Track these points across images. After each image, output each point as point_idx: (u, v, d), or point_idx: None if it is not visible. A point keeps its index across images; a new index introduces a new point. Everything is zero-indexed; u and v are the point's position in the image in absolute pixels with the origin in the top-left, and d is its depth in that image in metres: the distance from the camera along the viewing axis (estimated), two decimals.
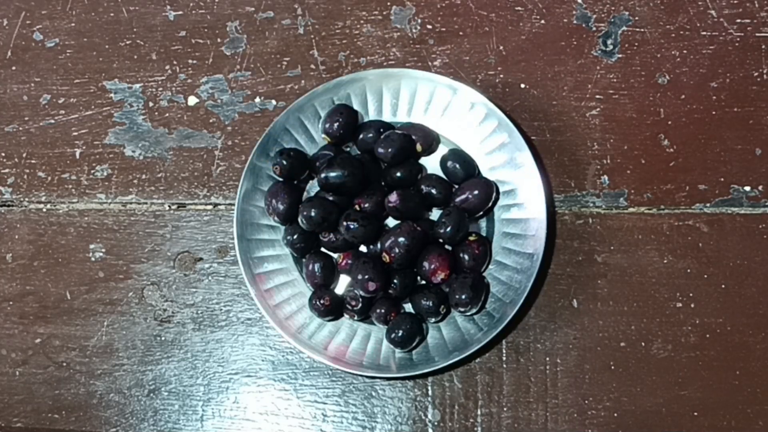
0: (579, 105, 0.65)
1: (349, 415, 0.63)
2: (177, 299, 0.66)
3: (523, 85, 0.66)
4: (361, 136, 0.64)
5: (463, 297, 0.60)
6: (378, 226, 0.62)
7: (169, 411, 0.64)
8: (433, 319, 0.62)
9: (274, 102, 0.68)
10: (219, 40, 0.69)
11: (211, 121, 0.68)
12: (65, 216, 0.68)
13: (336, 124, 0.63)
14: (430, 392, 0.62)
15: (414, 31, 0.68)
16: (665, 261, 0.63)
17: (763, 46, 0.65)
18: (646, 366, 0.61)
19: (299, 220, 0.62)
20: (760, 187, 0.63)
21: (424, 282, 0.62)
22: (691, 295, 0.62)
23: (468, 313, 0.61)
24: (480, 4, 0.68)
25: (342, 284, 0.64)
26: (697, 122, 0.65)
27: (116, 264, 0.66)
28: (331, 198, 0.62)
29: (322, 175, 0.61)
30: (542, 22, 0.67)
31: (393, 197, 0.61)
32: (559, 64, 0.66)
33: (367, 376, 0.62)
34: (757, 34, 0.65)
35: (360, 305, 0.61)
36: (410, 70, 0.65)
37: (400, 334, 0.60)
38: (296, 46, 0.68)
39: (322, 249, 0.64)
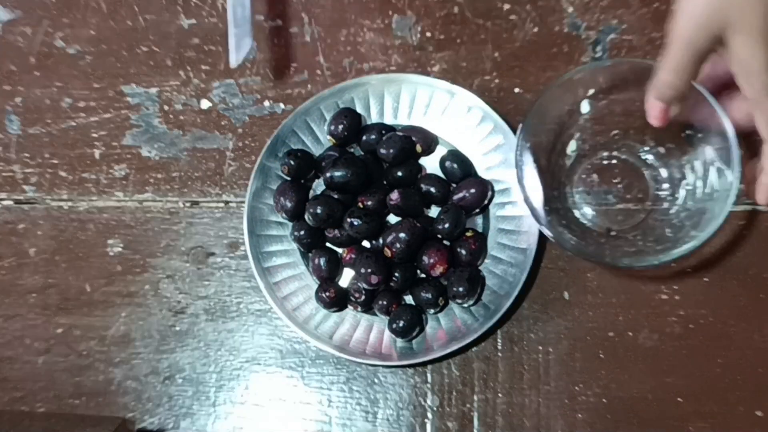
0: None
1: (353, 401, 0.64)
2: (190, 291, 0.67)
3: (517, 90, 0.67)
4: (364, 137, 0.65)
5: (461, 289, 0.61)
6: (380, 223, 0.63)
7: (183, 397, 0.65)
8: (432, 311, 0.63)
9: (282, 105, 0.69)
10: None
11: (222, 123, 0.69)
12: (85, 213, 0.69)
13: (340, 127, 0.64)
14: (429, 379, 0.63)
15: (414, 38, 0.69)
16: None
17: None
18: (633, 354, 0.62)
19: (306, 216, 0.62)
20: (740, 186, 0.62)
21: (423, 275, 0.63)
22: (675, 287, 0.62)
23: (465, 305, 0.62)
24: (476, 13, 0.68)
25: (346, 277, 0.64)
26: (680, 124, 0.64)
27: (133, 258, 0.67)
28: (336, 196, 0.63)
29: (328, 175, 0.62)
30: (535, 30, 0.67)
31: (394, 195, 0.62)
32: (552, 70, 0.66)
33: (369, 364, 0.63)
34: None
35: (363, 297, 0.62)
36: (410, 75, 0.65)
37: (401, 325, 0.61)
38: (303, 53, 0.69)
39: (328, 244, 0.65)
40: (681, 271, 0.63)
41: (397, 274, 0.62)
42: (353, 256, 0.64)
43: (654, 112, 0.53)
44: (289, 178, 0.65)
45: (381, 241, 0.62)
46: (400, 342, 0.63)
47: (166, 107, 0.70)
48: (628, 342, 0.62)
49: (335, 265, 0.64)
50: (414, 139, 0.64)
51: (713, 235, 0.56)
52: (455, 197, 0.63)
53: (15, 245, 0.69)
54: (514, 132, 0.63)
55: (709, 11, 0.47)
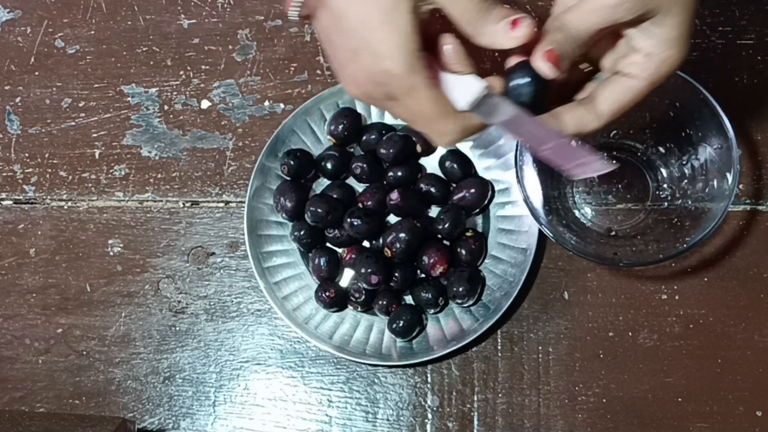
0: None
1: (353, 401, 0.64)
2: (191, 291, 0.67)
3: None
4: (364, 137, 0.65)
5: (461, 289, 0.61)
6: (380, 223, 0.63)
7: (183, 397, 0.65)
8: (432, 311, 0.63)
9: (282, 105, 0.69)
10: (230, 47, 0.70)
11: (222, 123, 0.69)
12: (85, 213, 0.69)
13: (341, 126, 0.64)
14: (429, 379, 0.63)
15: None
16: None
17: (744, 53, 0.65)
18: (633, 354, 0.62)
19: (306, 216, 0.62)
20: (740, 186, 0.63)
21: (423, 275, 0.63)
22: (675, 287, 0.63)
23: (465, 305, 0.62)
24: None
25: (346, 277, 0.65)
26: None
27: (133, 258, 0.67)
28: (335, 196, 0.64)
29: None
30: (535, 30, 0.68)
31: (394, 195, 0.62)
32: None
33: (369, 364, 0.63)
34: (738, 41, 0.65)
35: (363, 297, 0.62)
36: None
37: (401, 325, 0.61)
38: (303, 53, 0.69)
39: (328, 244, 0.65)
40: (681, 271, 0.63)
41: (397, 274, 0.62)
42: (353, 256, 0.64)
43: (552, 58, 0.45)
44: (289, 178, 0.65)
45: (381, 241, 0.63)
46: (400, 342, 0.63)
47: (166, 107, 0.70)
48: (627, 342, 0.62)
49: (335, 265, 0.64)
50: (414, 139, 0.64)
51: (713, 234, 0.56)
52: (455, 197, 0.63)
53: (15, 245, 0.69)
54: None
55: None
